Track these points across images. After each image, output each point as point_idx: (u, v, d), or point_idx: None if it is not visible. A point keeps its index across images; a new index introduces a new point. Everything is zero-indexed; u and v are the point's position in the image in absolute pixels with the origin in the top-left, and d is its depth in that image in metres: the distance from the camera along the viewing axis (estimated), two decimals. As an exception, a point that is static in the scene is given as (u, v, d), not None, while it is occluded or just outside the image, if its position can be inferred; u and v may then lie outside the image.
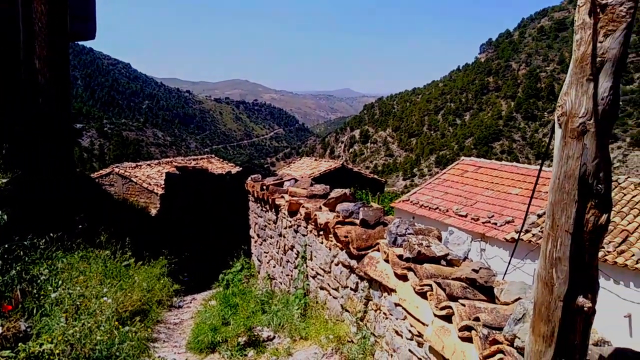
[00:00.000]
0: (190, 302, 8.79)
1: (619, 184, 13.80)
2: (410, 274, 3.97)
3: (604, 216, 2.11)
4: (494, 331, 3.01)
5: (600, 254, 11.27)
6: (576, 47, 2.18)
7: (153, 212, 17.91)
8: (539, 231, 12.72)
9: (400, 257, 4.20)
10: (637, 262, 10.68)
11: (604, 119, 2.10)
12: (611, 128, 2.16)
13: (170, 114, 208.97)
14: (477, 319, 3.16)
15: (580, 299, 2.13)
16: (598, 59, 2.11)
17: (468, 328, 3.16)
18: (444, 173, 19.51)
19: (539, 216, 13.40)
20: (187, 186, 16.80)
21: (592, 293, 2.15)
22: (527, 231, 13.06)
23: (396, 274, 4.13)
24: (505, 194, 15.73)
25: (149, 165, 24.42)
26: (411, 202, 18.04)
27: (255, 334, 5.45)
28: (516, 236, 13.00)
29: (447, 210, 16.27)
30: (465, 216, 15.43)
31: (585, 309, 2.12)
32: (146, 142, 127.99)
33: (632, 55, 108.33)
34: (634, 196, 12.92)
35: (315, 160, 32.77)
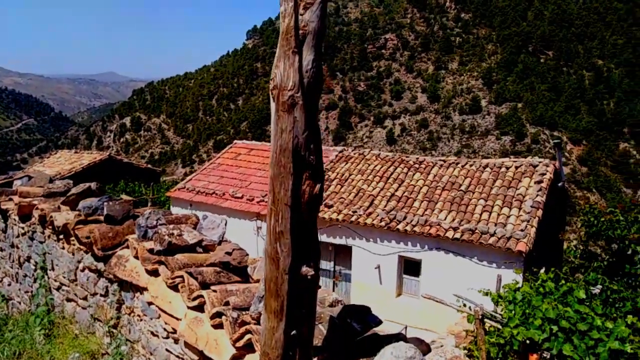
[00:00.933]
0: None
1: (365, 156, 16.05)
2: (161, 268, 3.66)
3: (318, 186, 2.20)
4: (243, 312, 2.97)
5: (354, 217, 12.96)
6: (282, 19, 2.17)
7: None
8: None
9: (151, 251, 3.84)
10: (381, 221, 12.63)
11: (310, 91, 2.15)
12: (317, 100, 2.24)
13: None
14: (227, 303, 3.08)
15: (304, 269, 2.19)
16: (300, 31, 2.14)
17: (219, 314, 3.05)
18: (219, 157, 19.47)
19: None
20: None
21: (314, 261, 2.24)
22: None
23: (147, 271, 3.76)
24: (275, 173, 16.62)
25: None
26: (187, 189, 17.47)
27: (-23, 375, 4.34)
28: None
29: (224, 194, 16.32)
30: (241, 197, 15.74)
31: (309, 277, 2.19)
32: None
33: (370, 46, 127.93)
34: (375, 166, 15.21)
35: (76, 152, 28.86)
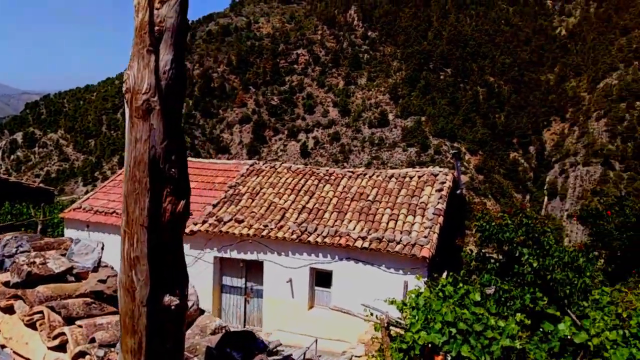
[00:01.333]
0: None
1: (276, 169, 15.86)
2: (17, 303, 3.14)
3: (182, 202, 1.94)
4: (111, 349, 2.60)
5: (265, 232, 12.67)
6: (135, 13, 1.91)
7: None
8: (215, 220, 13.33)
9: (7, 284, 3.29)
10: (292, 234, 12.47)
11: (169, 95, 1.90)
12: (180, 106, 2.00)
13: None
14: (93, 340, 2.68)
15: (167, 298, 1.91)
16: (156, 27, 1.89)
17: (82, 354, 2.64)
18: (120, 174, 18.18)
19: (214, 206, 14.06)
20: None
21: (180, 288, 1.97)
22: (204, 222, 13.48)
23: (0, 308, 3.21)
24: (181, 188, 15.83)
25: None
26: (84, 209, 16.01)
27: None
28: (195, 228, 13.25)
29: (125, 213, 15.21)
30: (144, 216, 14.77)
31: (173, 307, 1.92)
32: None
33: (282, 61, 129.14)
34: (287, 179, 15.07)
35: (-49, 173, 25.58)
